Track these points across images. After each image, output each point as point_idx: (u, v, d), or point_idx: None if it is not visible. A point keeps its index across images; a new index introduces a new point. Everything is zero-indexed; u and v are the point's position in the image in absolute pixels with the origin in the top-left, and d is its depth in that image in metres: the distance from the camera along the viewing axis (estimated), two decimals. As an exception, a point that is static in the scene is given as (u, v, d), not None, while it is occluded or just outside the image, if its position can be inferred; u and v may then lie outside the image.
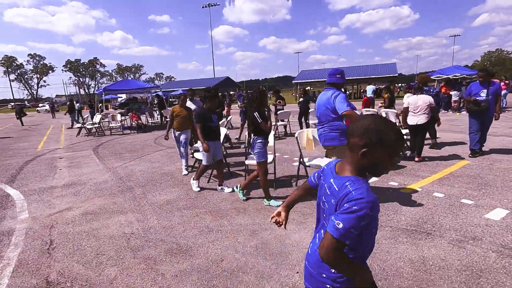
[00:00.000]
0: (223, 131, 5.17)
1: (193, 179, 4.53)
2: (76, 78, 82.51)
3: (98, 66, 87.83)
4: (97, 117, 11.87)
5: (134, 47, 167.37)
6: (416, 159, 5.49)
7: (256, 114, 3.55)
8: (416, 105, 5.48)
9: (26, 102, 56.53)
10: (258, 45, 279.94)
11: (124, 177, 5.46)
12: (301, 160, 4.18)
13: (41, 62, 77.97)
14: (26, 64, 76.47)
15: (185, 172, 5.45)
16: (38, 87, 79.67)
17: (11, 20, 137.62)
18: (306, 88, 11.65)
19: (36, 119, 25.39)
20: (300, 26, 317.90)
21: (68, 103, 16.47)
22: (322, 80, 36.59)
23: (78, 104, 19.19)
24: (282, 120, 9.44)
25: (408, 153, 5.84)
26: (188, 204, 3.96)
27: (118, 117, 12.34)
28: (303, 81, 35.98)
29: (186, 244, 2.89)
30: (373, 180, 4.44)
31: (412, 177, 4.59)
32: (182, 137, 5.47)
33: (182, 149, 5.52)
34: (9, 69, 73.41)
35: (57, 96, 76.65)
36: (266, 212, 3.55)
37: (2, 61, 72.78)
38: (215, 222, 3.35)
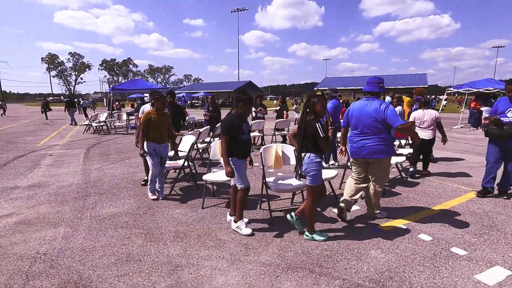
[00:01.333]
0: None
1: (234, 221, 3.21)
2: (110, 77, 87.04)
3: (131, 66, 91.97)
4: (103, 116, 11.97)
5: (168, 49, 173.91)
6: (422, 173, 5.40)
7: (319, 126, 2.84)
8: (423, 120, 5.30)
9: (62, 97, 60.09)
10: (288, 51, 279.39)
11: (91, 181, 5.17)
12: (264, 181, 3.59)
13: (80, 61, 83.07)
14: (67, 62, 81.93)
15: (153, 196, 4.21)
16: (75, 84, 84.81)
17: (60, 22, 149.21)
18: (286, 97, 10.89)
19: (62, 114, 26.60)
20: (331, 33, 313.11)
21: (66, 99, 16.84)
22: (346, 88, 35.33)
23: (83, 101, 19.76)
24: (260, 131, 8.68)
25: (411, 168, 5.33)
26: (130, 221, 3.52)
27: (124, 117, 12.36)
28: (326, 88, 34.87)
29: (89, 277, 2.42)
30: (355, 208, 3.74)
31: (401, 209, 3.82)
32: (163, 153, 4.22)
33: (155, 169, 4.10)
34: (51, 66, 78.95)
35: (95, 92, 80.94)
36: (207, 240, 3.01)
37: (46, 59, 78.53)
38: (142, 249, 2.86)
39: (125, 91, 13.54)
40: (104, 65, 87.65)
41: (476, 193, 4.28)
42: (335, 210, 3.59)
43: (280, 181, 3.67)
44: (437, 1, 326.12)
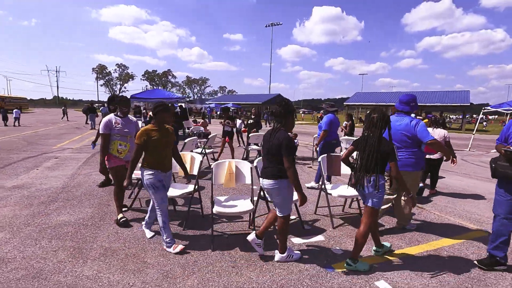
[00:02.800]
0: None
1: (279, 252, 2.84)
2: (150, 87, 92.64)
3: (170, 77, 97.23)
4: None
5: (207, 62, 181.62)
6: (430, 192, 5.32)
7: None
8: None
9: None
10: (324, 65, 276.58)
11: (69, 186, 5.19)
12: (212, 199, 3.24)
13: (125, 71, 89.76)
14: (114, 72, 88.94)
15: (150, 234, 3.29)
16: (119, 92, 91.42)
17: (114, 36, 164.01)
18: (258, 108, 10.54)
19: (100, 119, 28.61)
20: (370, 48, 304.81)
21: (86, 106, 17.74)
22: (378, 104, 33.61)
23: (102, 108, 20.85)
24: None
25: (420, 184, 5.12)
26: (71, 232, 3.36)
27: (139, 124, 12.75)
28: (355, 103, 33.51)
29: (-19, 291, 2.26)
30: (317, 239, 3.24)
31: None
32: (168, 183, 3.14)
33: (164, 205, 3.01)
34: (100, 76, 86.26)
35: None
36: (130, 263, 2.72)
37: (96, 69, 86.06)
38: (57, 265, 2.65)
39: (143, 100, 14.03)
40: (146, 75, 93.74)
41: (477, 262, 2.86)
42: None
43: (227, 202, 3.30)
44: (489, 15, 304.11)
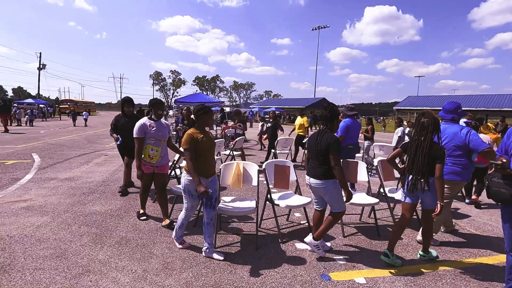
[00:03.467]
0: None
1: (313, 237, 3.00)
2: (200, 91, 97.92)
3: (218, 82, 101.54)
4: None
5: (255, 67, 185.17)
6: (474, 196, 5.12)
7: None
8: None
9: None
10: (376, 67, 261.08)
11: (108, 181, 5.80)
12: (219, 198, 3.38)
13: (178, 77, 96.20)
14: (168, 78, 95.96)
15: (180, 246, 3.13)
16: (172, 97, 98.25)
17: (170, 45, 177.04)
18: (274, 111, 10.03)
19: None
20: (430, 47, 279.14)
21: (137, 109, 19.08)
22: (432, 108, 30.75)
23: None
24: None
25: (467, 200, 5.19)
26: (99, 220, 3.78)
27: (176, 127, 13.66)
28: (407, 108, 31.13)
29: (17, 264, 2.69)
30: (303, 247, 3.16)
31: (376, 255, 3.02)
32: (212, 189, 2.93)
33: (188, 213, 3.03)
34: (155, 82, 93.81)
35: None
36: (138, 252, 2.98)
37: (153, 75, 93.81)
38: (79, 248, 3.03)
39: (187, 104, 14.94)
40: (196, 81, 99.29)
41: None
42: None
43: (233, 203, 3.41)
44: None
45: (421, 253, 3.08)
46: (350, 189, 2.88)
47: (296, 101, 49.11)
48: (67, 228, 3.52)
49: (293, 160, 8.53)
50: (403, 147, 2.95)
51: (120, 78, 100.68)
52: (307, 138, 3.18)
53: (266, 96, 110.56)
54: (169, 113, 41.33)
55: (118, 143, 4.84)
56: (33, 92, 45.25)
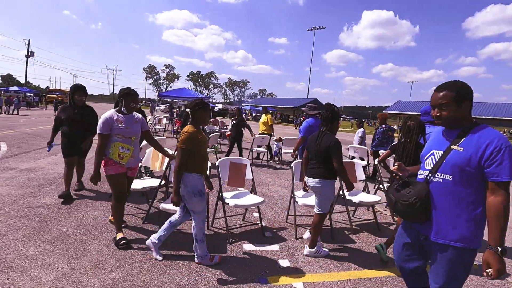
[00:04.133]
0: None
1: (308, 246, 3.04)
2: (194, 87, 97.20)
3: (212, 79, 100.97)
4: (148, 119, 13.25)
5: (251, 65, 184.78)
6: None
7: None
8: None
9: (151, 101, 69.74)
10: (371, 71, 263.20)
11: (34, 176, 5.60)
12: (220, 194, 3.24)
13: (172, 72, 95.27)
14: (161, 72, 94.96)
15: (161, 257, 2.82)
16: (165, 91, 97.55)
17: (167, 39, 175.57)
18: (239, 107, 9.73)
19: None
20: (425, 54, 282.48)
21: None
22: (417, 113, 31.12)
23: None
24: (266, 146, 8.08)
25: None
26: (43, 214, 3.60)
27: (164, 121, 13.43)
28: (396, 112, 31.39)
29: None
30: (271, 248, 3.05)
31: (328, 262, 2.94)
32: (203, 188, 2.77)
33: (203, 215, 2.77)
34: (149, 75, 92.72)
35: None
36: (73, 248, 2.83)
37: (146, 69, 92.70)
38: (10, 243, 2.86)
39: (171, 98, 14.76)
40: (190, 76, 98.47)
41: None
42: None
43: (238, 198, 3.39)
44: None
45: (382, 244, 3.08)
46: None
47: (289, 101, 49.12)
48: (5, 221, 3.33)
49: (272, 160, 8.43)
50: (392, 148, 3.10)
51: (114, 70, 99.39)
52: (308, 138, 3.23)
53: (261, 94, 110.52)
54: (161, 107, 40.86)
55: (48, 150, 4.44)
56: (23, 80, 44.01)
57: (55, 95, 44.16)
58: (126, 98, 3.03)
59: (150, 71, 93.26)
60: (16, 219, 3.39)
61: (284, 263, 2.89)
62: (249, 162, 3.76)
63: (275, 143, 8.61)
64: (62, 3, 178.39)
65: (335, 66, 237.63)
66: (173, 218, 2.81)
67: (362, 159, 7.05)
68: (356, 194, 3.99)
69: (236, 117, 8.00)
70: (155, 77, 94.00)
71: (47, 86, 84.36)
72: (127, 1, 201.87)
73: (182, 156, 2.55)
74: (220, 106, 55.83)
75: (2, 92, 30.82)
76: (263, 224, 3.73)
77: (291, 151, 5.65)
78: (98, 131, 2.92)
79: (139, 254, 2.84)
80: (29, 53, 41.56)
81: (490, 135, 1.49)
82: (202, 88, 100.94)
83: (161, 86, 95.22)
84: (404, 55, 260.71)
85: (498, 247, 1.41)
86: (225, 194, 3.47)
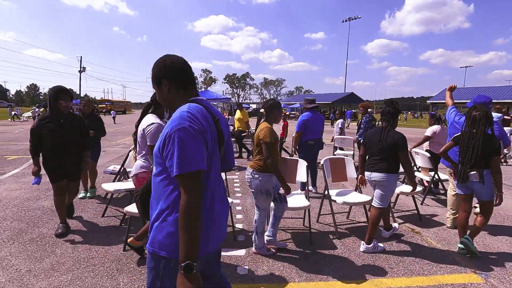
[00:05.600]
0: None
1: (365, 243, 3.03)
2: (230, 89, 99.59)
3: (248, 80, 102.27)
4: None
5: (288, 63, 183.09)
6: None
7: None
8: None
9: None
10: (418, 59, 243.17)
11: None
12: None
13: (209, 76, 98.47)
14: (199, 77, 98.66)
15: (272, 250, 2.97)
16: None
17: (205, 44, 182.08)
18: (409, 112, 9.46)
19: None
20: (482, 35, 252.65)
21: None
22: (465, 101, 27.79)
23: None
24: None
25: None
26: (39, 215, 3.84)
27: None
28: (442, 101, 28.45)
29: None
30: (236, 253, 2.86)
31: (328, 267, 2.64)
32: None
33: (264, 214, 2.92)
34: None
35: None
36: (50, 250, 2.94)
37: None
38: (-9, 243, 3.08)
39: (194, 101, 15.13)
40: (227, 79, 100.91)
41: None
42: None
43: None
44: None
45: (461, 245, 2.95)
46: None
47: (325, 96, 47.58)
48: (0, 222, 3.62)
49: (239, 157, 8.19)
50: (455, 140, 3.03)
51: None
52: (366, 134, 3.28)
53: (297, 92, 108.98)
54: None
55: (34, 183, 3.29)
56: (81, 93, 49.10)
57: (104, 105, 48.73)
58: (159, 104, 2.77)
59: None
60: (9, 221, 3.66)
61: (242, 270, 2.67)
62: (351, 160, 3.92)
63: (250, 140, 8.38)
64: (112, 21, 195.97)
65: (377, 56, 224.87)
66: (274, 211, 3.00)
67: (342, 149, 7.46)
68: (346, 194, 3.60)
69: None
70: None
71: (101, 97, 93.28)
72: (167, 13, 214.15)
73: (269, 149, 2.65)
74: (254, 106, 56.29)
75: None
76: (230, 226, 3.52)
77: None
78: (152, 143, 2.47)
79: (98, 257, 2.86)
80: (82, 68, 46.02)
81: (172, 117, 1.15)
82: (239, 90, 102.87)
83: (199, 91, 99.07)
84: (457, 38, 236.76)
85: (181, 263, 1.04)
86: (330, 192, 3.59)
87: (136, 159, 2.80)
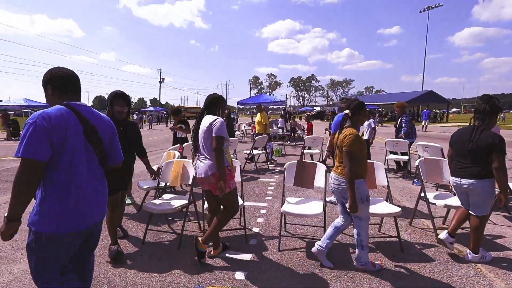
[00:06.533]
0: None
1: (472, 252, 2.79)
2: (295, 92, 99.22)
3: (313, 82, 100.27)
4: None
5: (357, 62, 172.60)
6: None
7: None
8: None
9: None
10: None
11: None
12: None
13: (274, 80, 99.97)
14: (264, 82, 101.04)
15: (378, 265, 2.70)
16: (244, 99, 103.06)
17: (272, 50, 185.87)
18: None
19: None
20: None
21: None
22: None
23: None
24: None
25: None
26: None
27: (242, 127, 14.24)
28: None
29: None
30: (242, 257, 2.83)
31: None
32: None
33: (367, 225, 2.67)
34: (253, 86, 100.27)
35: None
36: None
37: (251, 80, 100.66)
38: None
39: (249, 105, 15.47)
40: (292, 82, 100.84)
41: None
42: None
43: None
44: None
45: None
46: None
47: (399, 96, 43.21)
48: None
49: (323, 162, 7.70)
50: None
51: (227, 85, 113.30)
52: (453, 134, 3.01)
53: (367, 92, 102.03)
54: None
55: None
56: (163, 102, 55.74)
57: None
58: (223, 105, 2.90)
59: (255, 82, 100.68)
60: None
61: (239, 276, 2.60)
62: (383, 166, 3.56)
63: (267, 143, 7.78)
64: (190, 35, 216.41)
65: (467, 48, 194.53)
66: (337, 223, 2.76)
67: (396, 153, 6.55)
68: (446, 197, 3.44)
69: (224, 118, 8.09)
70: (259, 87, 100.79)
71: (179, 104, 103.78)
72: (237, 22, 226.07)
73: (353, 160, 2.45)
74: (317, 108, 54.75)
75: (147, 112, 39.65)
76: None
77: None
78: (219, 133, 2.56)
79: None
80: (161, 79, 52.04)
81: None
82: (303, 92, 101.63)
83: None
84: None
85: (7, 217, 1.41)
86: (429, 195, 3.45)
87: (194, 162, 2.86)
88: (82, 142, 1.50)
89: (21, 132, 14.01)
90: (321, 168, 3.36)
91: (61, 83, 1.55)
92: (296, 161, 3.49)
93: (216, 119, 2.65)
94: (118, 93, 3.04)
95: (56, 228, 1.42)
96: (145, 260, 2.86)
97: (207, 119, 2.68)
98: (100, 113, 1.69)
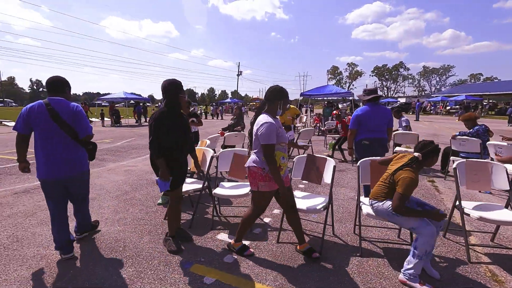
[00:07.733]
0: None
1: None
2: (379, 82, 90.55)
3: (401, 70, 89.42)
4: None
5: (464, 45, 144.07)
6: None
7: None
8: None
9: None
10: None
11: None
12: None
13: (354, 69, 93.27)
14: (344, 72, 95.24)
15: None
16: (348, 90, 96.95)
17: (356, 37, 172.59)
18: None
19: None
20: None
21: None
22: None
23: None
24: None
25: None
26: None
27: (304, 119, 13.95)
28: None
29: None
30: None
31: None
32: None
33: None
34: (332, 76, 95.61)
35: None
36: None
37: (330, 70, 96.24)
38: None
39: (313, 96, 14.83)
40: (375, 71, 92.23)
41: None
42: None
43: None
44: None
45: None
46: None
47: (505, 85, 35.17)
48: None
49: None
50: None
51: (304, 76, 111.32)
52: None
53: (473, 80, 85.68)
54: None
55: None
56: (243, 93, 59.03)
57: (254, 103, 56.09)
58: (285, 100, 2.67)
59: (333, 72, 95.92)
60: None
61: (228, 259, 2.74)
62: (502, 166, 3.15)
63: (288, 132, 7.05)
64: (270, 27, 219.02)
65: None
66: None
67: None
68: (491, 209, 2.90)
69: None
70: (338, 77, 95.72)
71: (256, 96, 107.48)
72: (319, 10, 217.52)
73: (402, 202, 2.32)
74: (402, 100, 48.80)
75: (227, 104, 42.70)
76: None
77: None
78: (265, 142, 2.44)
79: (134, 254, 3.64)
80: (239, 72, 54.81)
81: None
82: (389, 82, 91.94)
83: (343, 86, 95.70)
84: None
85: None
86: (465, 204, 2.97)
87: (249, 154, 3.05)
88: (48, 122, 2.54)
89: (120, 120, 16.55)
90: (330, 164, 3.18)
91: (48, 86, 2.71)
92: (306, 155, 3.39)
93: (262, 123, 2.47)
94: (177, 82, 2.82)
95: (38, 175, 2.65)
96: (160, 235, 3.28)
97: (259, 120, 2.56)
98: (67, 102, 2.67)
